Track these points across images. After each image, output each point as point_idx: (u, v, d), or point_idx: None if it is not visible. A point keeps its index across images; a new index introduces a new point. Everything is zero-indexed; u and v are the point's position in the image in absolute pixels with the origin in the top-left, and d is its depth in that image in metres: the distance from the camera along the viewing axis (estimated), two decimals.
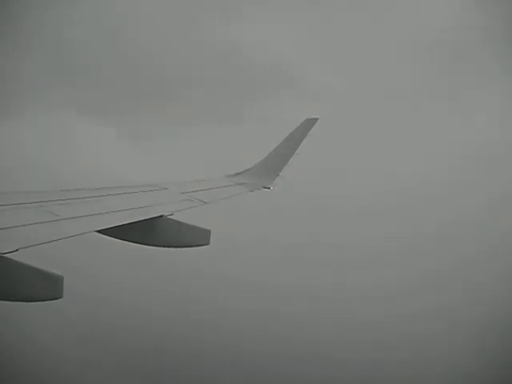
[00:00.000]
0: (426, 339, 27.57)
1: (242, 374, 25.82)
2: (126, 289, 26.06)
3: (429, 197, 33.47)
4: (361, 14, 38.39)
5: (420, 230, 31.72)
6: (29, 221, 7.19)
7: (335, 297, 28.45)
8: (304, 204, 29.24)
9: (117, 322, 26.10)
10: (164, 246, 9.69)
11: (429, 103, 37.32)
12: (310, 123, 15.24)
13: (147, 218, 9.10)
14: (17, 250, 6.24)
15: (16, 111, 35.32)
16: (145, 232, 9.29)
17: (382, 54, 38.42)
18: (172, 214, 9.57)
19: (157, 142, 34.94)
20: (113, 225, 8.22)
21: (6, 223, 6.87)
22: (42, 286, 6.47)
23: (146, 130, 36.65)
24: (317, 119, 15.31)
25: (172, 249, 9.81)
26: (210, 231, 9.88)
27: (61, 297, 6.57)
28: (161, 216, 9.38)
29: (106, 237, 8.58)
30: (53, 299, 6.58)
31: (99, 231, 8.07)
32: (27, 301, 6.56)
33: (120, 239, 9.15)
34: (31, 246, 6.50)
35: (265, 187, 13.90)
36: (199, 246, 9.93)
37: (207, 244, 9.92)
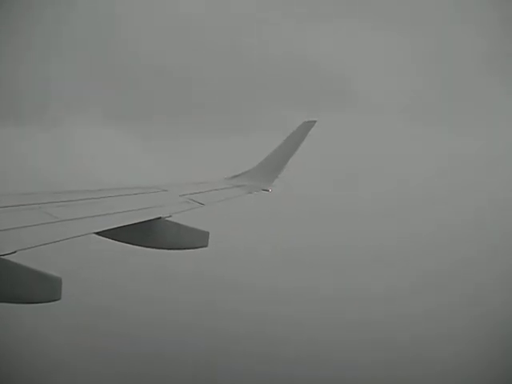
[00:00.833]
0: (427, 339, 27.60)
1: (241, 376, 25.84)
2: (124, 290, 26.08)
3: (429, 197, 33.56)
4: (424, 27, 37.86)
5: (420, 231, 31.80)
6: (27, 222, 7.20)
7: (336, 298, 28.50)
8: (303, 206, 29.29)
9: (114, 324, 26.11)
10: (162, 248, 9.69)
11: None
12: (308, 126, 15.25)
13: (146, 219, 9.11)
14: (15, 252, 6.26)
15: (41, 115, 35.74)
16: (143, 234, 9.29)
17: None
18: (170, 216, 9.58)
19: (197, 147, 34.37)
20: (111, 226, 8.23)
21: (3, 225, 6.88)
22: (40, 288, 6.48)
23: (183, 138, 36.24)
24: (315, 122, 15.31)
25: (170, 251, 9.83)
26: (208, 233, 9.90)
27: (59, 299, 6.58)
28: (159, 218, 9.40)
29: (105, 238, 8.60)
30: (51, 301, 6.59)
31: (98, 233, 8.08)
32: (25, 303, 6.56)
33: (118, 241, 9.17)
34: (29, 247, 6.52)
35: (263, 189, 13.92)
36: (198, 248, 9.95)
37: (206, 246, 9.94)
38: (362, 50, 40.34)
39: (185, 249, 9.90)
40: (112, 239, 8.95)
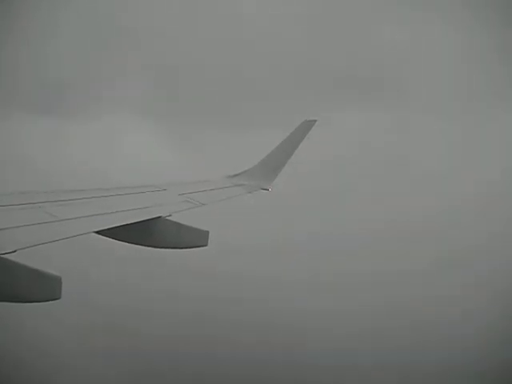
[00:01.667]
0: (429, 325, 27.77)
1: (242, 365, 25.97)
2: (124, 290, 26.09)
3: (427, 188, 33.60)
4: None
5: (417, 219, 31.87)
6: (26, 222, 7.21)
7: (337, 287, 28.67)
8: (302, 205, 29.33)
9: (114, 323, 26.12)
10: (162, 247, 9.71)
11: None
12: (308, 125, 15.26)
13: (145, 219, 9.12)
14: (15, 251, 6.27)
15: (71, 109, 36.00)
16: (143, 233, 9.31)
17: None
18: (170, 215, 9.59)
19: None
20: (111, 226, 8.25)
21: (3, 224, 6.90)
22: (40, 287, 6.49)
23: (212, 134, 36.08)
24: (315, 121, 15.32)
25: (170, 250, 9.84)
26: (208, 232, 9.90)
27: (59, 298, 6.58)
28: (159, 217, 9.41)
29: (104, 238, 8.60)
30: (50, 300, 6.60)
31: (97, 232, 8.09)
32: (25, 302, 6.57)
33: (118, 240, 9.17)
34: (29, 246, 6.53)
35: (263, 188, 13.94)
36: (198, 247, 9.96)
37: (206, 245, 9.95)
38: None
39: (185, 248, 9.91)
40: (112, 238, 8.96)
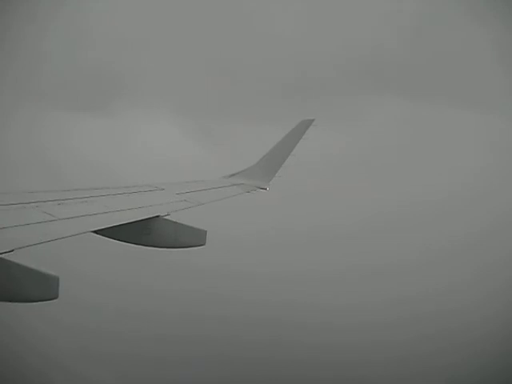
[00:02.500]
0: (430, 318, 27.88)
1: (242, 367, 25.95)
2: (122, 289, 26.08)
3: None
4: None
5: (415, 208, 32.09)
6: (24, 221, 7.20)
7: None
8: (302, 204, 29.38)
9: (112, 322, 26.10)
10: (160, 247, 9.70)
11: None
12: (305, 124, 15.25)
13: (143, 218, 9.12)
14: (12, 251, 6.26)
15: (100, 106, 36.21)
16: (141, 232, 9.30)
17: None
18: (168, 215, 9.59)
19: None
20: (109, 225, 8.24)
21: (1, 223, 6.89)
22: (38, 287, 6.48)
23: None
24: (312, 120, 15.31)
25: (168, 249, 9.83)
26: (206, 232, 9.90)
27: (56, 297, 6.58)
28: (157, 216, 9.40)
29: (102, 237, 8.60)
30: (48, 300, 6.59)
31: (95, 231, 8.09)
32: (23, 301, 6.57)
33: (116, 240, 9.17)
34: (27, 246, 6.52)
35: (261, 188, 13.93)
36: (195, 246, 9.96)
37: (203, 244, 9.94)
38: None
39: (182, 247, 9.91)
40: (110, 238, 8.95)
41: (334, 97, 37.81)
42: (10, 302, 6.52)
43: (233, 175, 14.34)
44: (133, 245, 9.51)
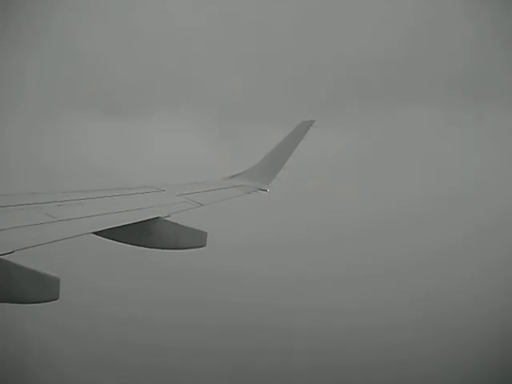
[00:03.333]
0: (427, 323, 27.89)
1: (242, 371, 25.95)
2: (122, 290, 26.07)
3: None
4: None
5: (412, 209, 32.11)
6: (25, 222, 7.21)
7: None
8: (301, 204, 29.37)
9: (112, 323, 26.08)
10: (160, 248, 9.70)
11: None
12: (306, 126, 15.24)
13: (143, 219, 9.11)
14: (12, 252, 6.26)
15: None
16: (141, 234, 9.30)
17: None
18: (168, 216, 9.58)
19: None
20: (109, 226, 8.24)
21: (1, 225, 6.89)
22: (38, 288, 6.48)
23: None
24: (313, 121, 15.30)
25: (168, 250, 9.83)
26: (206, 233, 9.90)
27: (57, 298, 6.58)
28: (157, 218, 9.40)
29: (103, 238, 8.60)
30: (49, 301, 6.59)
31: (95, 233, 8.09)
32: (24, 303, 6.57)
33: (116, 241, 9.17)
34: (27, 247, 6.52)
35: (261, 189, 13.92)
36: (196, 247, 9.95)
37: (204, 246, 9.94)
38: None
39: (183, 249, 9.90)
40: (110, 239, 8.95)
41: (333, 98, 37.80)
42: (11, 303, 6.52)
43: (233, 176, 14.34)
44: (133, 246, 9.51)
